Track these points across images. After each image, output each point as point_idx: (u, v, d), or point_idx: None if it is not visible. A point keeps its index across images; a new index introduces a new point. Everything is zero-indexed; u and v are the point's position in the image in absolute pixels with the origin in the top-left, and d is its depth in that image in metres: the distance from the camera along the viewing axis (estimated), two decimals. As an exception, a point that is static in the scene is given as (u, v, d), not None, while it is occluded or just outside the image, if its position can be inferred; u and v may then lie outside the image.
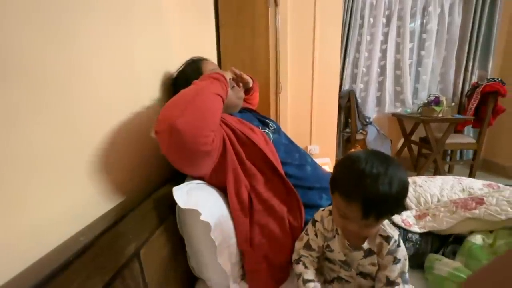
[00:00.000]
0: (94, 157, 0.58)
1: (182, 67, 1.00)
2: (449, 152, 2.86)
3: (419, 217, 0.90)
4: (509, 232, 0.75)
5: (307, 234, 0.71)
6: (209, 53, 1.53)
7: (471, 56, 2.73)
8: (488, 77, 2.52)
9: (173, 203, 0.65)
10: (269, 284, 0.75)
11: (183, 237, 0.76)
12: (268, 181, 0.83)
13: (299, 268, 0.67)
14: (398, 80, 2.90)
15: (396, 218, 0.85)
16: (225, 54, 1.68)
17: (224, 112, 0.93)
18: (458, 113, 2.77)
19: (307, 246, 0.70)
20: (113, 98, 0.65)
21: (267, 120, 1.07)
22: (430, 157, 2.46)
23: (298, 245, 0.73)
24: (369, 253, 0.60)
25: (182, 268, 0.78)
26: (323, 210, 0.70)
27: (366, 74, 2.89)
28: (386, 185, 0.46)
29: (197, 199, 0.68)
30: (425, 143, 2.62)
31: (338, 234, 0.64)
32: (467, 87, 2.76)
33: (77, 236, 0.46)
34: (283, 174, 0.84)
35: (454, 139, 2.54)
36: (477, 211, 0.80)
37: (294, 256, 0.72)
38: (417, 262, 0.79)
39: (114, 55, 0.64)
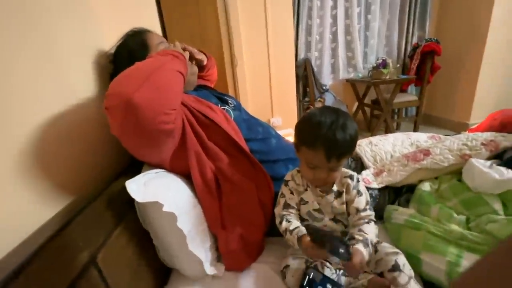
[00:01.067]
0: (25, 159, 0.48)
1: (121, 41, 0.86)
2: (397, 110, 3.13)
3: (376, 174, 0.96)
4: (450, 176, 0.85)
5: (283, 196, 0.73)
6: (152, 25, 1.36)
7: (412, 18, 2.89)
8: (426, 38, 2.71)
9: (130, 198, 0.58)
10: (245, 261, 0.75)
11: (148, 230, 0.70)
12: (234, 160, 0.80)
13: (283, 225, 0.68)
14: (349, 46, 2.98)
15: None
16: (169, 25, 1.51)
17: None
18: (403, 74, 2.99)
19: (287, 206, 0.72)
20: (38, 91, 0.53)
21: (225, 97, 1.00)
22: (381, 117, 2.66)
23: (278, 209, 0.73)
24: (338, 194, 0.68)
25: (156, 261, 0.74)
26: (291, 171, 0.74)
27: (320, 41, 2.91)
28: (340, 130, 0.58)
29: (157, 190, 0.62)
30: (376, 105, 2.81)
31: (309, 186, 0.70)
32: (409, 49, 2.96)
33: (8, 257, 0.39)
34: (248, 151, 0.81)
35: (400, 99, 2.76)
36: (424, 162, 0.88)
37: (277, 220, 0.72)
38: (377, 215, 0.86)
39: (30, 42, 0.51)
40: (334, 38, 2.92)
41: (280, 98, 2.39)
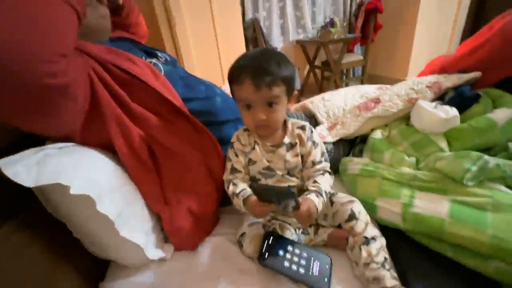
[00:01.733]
0: None
1: None
2: (345, 71, 3.21)
3: (330, 128, 0.93)
4: (399, 122, 0.85)
5: (230, 160, 0.66)
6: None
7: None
8: (370, -5, 2.72)
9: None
10: (197, 237, 0.66)
11: (62, 220, 0.55)
12: (170, 125, 0.66)
13: (230, 189, 0.63)
14: (297, 5, 2.86)
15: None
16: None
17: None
18: (349, 33, 3.02)
19: (233, 170, 0.65)
20: None
21: (155, 51, 0.82)
22: (331, 78, 2.69)
23: (225, 175, 0.67)
24: (290, 146, 0.63)
25: (85, 255, 0.60)
26: (237, 131, 0.68)
27: (267, 0, 2.72)
28: (265, 56, 0.55)
29: (59, 168, 0.46)
30: (326, 66, 2.82)
31: (258, 143, 0.64)
32: (354, 7, 2.97)
33: None
34: (188, 112, 0.68)
35: (347, 59, 2.81)
36: (376, 110, 0.86)
37: (225, 185, 0.66)
38: (333, 169, 0.83)
39: None
40: (282, -4, 2.76)
41: (230, 63, 2.21)
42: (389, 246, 0.56)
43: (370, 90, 1.16)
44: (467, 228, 0.50)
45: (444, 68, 0.94)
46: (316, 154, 0.63)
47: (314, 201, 0.54)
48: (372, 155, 0.78)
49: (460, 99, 0.74)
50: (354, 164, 0.76)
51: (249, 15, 2.69)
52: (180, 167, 0.66)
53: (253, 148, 0.64)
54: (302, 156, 0.64)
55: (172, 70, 0.76)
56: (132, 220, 0.57)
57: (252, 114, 0.57)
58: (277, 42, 2.92)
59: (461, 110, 0.71)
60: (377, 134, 0.83)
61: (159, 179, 0.66)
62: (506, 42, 0.76)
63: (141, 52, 0.76)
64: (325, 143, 0.84)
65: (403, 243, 0.59)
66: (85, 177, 0.49)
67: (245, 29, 2.45)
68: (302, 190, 0.64)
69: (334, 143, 0.88)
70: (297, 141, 0.63)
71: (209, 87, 0.80)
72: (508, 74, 0.76)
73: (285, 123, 0.65)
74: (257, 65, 0.54)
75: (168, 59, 0.83)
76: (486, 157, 0.57)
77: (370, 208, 0.64)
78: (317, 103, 1.12)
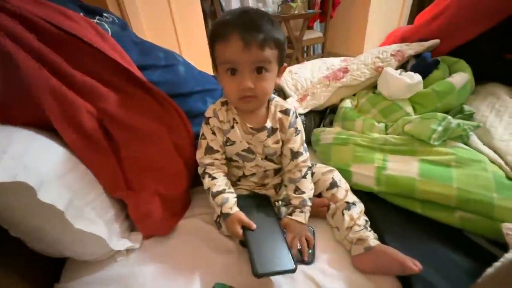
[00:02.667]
0: None
1: None
2: (305, 49, 3.23)
3: (301, 100, 0.91)
4: (366, 91, 0.86)
5: (205, 138, 0.58)
6: None
7: None
8: (328, -31, 2.70)
9: None
10: (168, 221, 0.60)
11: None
12: (126, 97, 0.56)
13: (206, 182, 0.56)
14: (256, -24, 2.72)
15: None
16: None
17: None
18: (309, 9, 3.00)
19: (209, 150, 0.57)
20: None
21: (99, 10, 0.68)
22: (293, 55, 2.68)
23: (199, 154, 0.59)
24: (272, 131, 0.57)
25: (30, 255, 0.50)
26: (213, 104, 0.59)
27: (223, -31, 2.52)
28: (255, 12, 0.49)
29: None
30: (288, 43, 2.79)
31: (237, 122, 0.56)
32: (313, -18, 2.93)
33: None
34: (146, 81, 0.58)
35: (308, 36, 2.81)
36: (345, 79, 0.86)
37: (200, 170, 0.59)
38: (306, 140, 0.82)
39: None
40: (239, -34, 2.58)
41: (188, 38, 2.03)
42: (365, 212, 0.57)
43: (336, 62, 1.16)
44: (436, 185, 0.53)
45: (404, 38, 0.97)
46: (296, 141, 0.57)
47: (300, 220, 0.52)
48: (343, 124, 0.78)
49: (423, 65, 0.77)
50: (327, 133, 0.76)
51: (205, -15, 2.47)
52: (142, 146, 0.57)
53: (232, 127, 0.56)
54: (282, 142, 0.58)
55: (121, 32, 0.65)
56: (89, 208, 0.49)
57: (237, 81, 0.48)
58: (237, 17, 2.77)
59: (423, 76, 0.74)
60: (347, 103, 0.83)
61: (118, 160, 0.57)
62: (460, 10, 0.80)
63: (76, 7, 0.62)
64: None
65: (377, 207, 0.60)
66: (16, 162, 0.39)
67: (202, 1, 2.26)
68: (279, 170, 0.62)
69: (305, 115, 0.86)
70: (278, 126, 0.57)
71: (169, 54, 0.71)
72: (461, 42, 0.81)
73: (268, 101, 0.57)
74: (248, 21, 0.46)
75: (116, 20, 0.70)
76: (449, 117, 0.60)
77: (345, 174, 0.65)
78: (285, 76, 1.09)
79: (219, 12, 2.44)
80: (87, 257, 0.53)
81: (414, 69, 0.77)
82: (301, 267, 0.49)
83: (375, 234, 0.51)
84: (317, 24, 3.13)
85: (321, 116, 0.91)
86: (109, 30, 0.59)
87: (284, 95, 1.03)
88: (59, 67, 0.49)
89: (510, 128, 0.61)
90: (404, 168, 0.58)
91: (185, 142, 0.63)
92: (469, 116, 0.67)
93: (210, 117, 0.57)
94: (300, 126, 0.59)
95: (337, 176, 0.59)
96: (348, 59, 1.16)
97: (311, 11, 2.67)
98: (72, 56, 0.50)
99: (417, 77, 0.72)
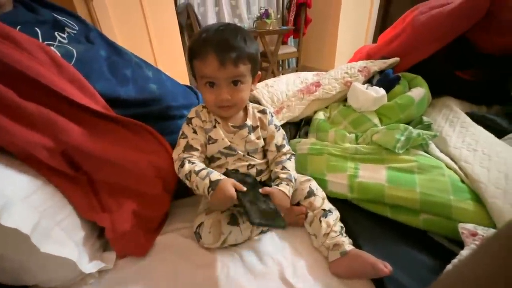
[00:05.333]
0: None
1: None
2: (281, 62, 3.35)
3: (277, 112, 0.94)
4: (337, 104, 0.92)
5: (185, 137, 0.59)
6: None
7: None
8: (299, -10, 2.88)
9: None
10: (145, 240, 0.58)
11: None
12: (91, 128, 0.52)
13: (186, 167, 0.55)
14: (231, -7, 2.81)
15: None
16: None
17: None
18: (283, 26, 3.14)
19: (188, 148, 0.58)
20: None
21: (62, 18, 0.63)
22: (269, 68, 2.77)
23: (176, 152, 0.59)
24: (252, 128, 0.62)
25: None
26: (195, 107, 0.63)
27: (199, -15, 2.58)
28: (229, 30, 0.52)
29: None
30: (263, 57, 2.88)
31: (219, 122, 0.60)
32: (286, 1, 3.09)
33: None
34: (108, 113, 0.55)
35: (283, 50, 2.93)
36: (317, 93, 0.91)
37: (176, 165, 0.58)
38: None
39: None
40: (215, -17, 2.66)
41: (164, 51, 2.02)
42: (340, 218, 0.60)
43: (309, 76, 1.23)
44: (402, 190, 0.58)
45: (370, 55, 1.06)
46: (279, 137, 0.64)
47: (285, 191, 0.56)
48: (317, 135, 0.82)
49: (386, 80, 0.84)
50: (302, 144, 0.79)
51: (182, 0, 2.51)
52: (116, 173, 0.55)
53: (214, 126, 0.59)
54: (265, 140, 0.63)
55: (88, 50, 0.61)
56: (58, 229, 0.46)
57: (216, 92, 0.54)
58: (214, 31, 2.82)
59: (386, 91, 0.81)
60: (320, 115, 0.87)
61: (90, 183, 0.54)
62: (415, 33, 0.89)
63: (44, 26, 0.57)
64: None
65: (350, 213, 0.63)
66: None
67: (178, 13, 2.28)
68: (262, 170, 0.64)
69: (282, 127, 0.89)
70: (259, 124, 0.63)
71: (136, 73, 0.67)
72: (418, 60, 0.91)
73: (245, 105, 0.63)
74: (222, 40, 0.50)
75: (81, 29, 0.65)
76: (410, 128, 0.66)
77: (321, 183, 0.67)
78: (261, 89, 1.12)
79: (195, 25, 2.47)
80: (54, 284, 0.49)
81: (379, 84, 0.84)
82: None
83: (350, 239, 0.54)
84: (291, 40, 3.28)
85: (297, 127, 0.95)
86: (75, 53, 0.56)
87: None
88: (6, 98, 0.44)
89: (461, 136, 0.69)
90: (373, 175, 0.63)
91: (166, 164, 0.60)
92: (428, 126, 0.74)
93: (193, 117, 0.60)
94: (277, 122, 0.66)
95: (314, 185, 0.62)
96: (320, 73, 1.22)
97: (285, 27, 2.81)
98: (23, 89, 0.46)
99: (382, 91, 0.78)
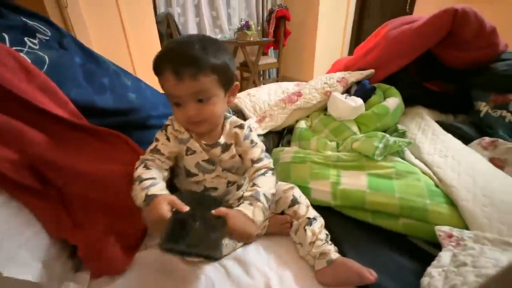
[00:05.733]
0: None
1: None
2: (262, 73, 3.41)
3: (259, 121, 0.95)
4: (318, 113, 0.94)
5: (157, 141, 0.56)
6: None
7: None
8: (278, 4, 2.99)
9: None
10: (122, 257, 0.54)
11: None
12: (62, 140, 0.50)
13: (137, 171, 0.50)
14: (212, 4, 2.84)
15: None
16: None
17: None
18: (263, 37, 3.22)
19: (155, 151, 0.54)
20: None
21: (33, 23, 0.60)
22: (250, 78, 2.80)
23: (143, 155, 0.55)
24: (225, 147, 0.57)
25: None
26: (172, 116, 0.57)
27: (180, -5, 2.59)
28: (190, 41, 0.47)
29: None
30: (244, 67, 2.92)
31: (192, 137, 0.56)
32: (266, 13, 3.19)
33: None
34: (81, 123, 0.52)
35: (263, 61, 2.99)
36: (299, 102, 0.93)
37: (137, 164, 0.53)
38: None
39: None
40: (196, -6, 2.68)
41: (143, 58, 1.98)
42: (325, 225, 0.60)
43: (290, 86, 1.26)
44: (382, 195, 0.60)
45: (347, 67, 1.10)
46: (255, 152, 0.57)
47: (246, 212, 0.45)
48: (300, 143, 0.83)
49: (363, 91, 0.88)
50: (285, 153, 0.80)
51: (162, 9, 2.49)
52: (89, 186, 0.51)
53: (191, 137, 0.55)
54: (241, 156, 0.58)
55: (62, 56, 0.58)
56: (22, 250, 0.42)
57: (183, 111, 0.49)
58: (194, 40, 2.82)
59: (364, 100, 0.85)
60: (302, 124, 0.89)
61: (60, 198, 0.50)
62: (387, 47, 0.95)
63: (12, 31, 0.54)
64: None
65: (334, 220, 0.64)
66: None
67: (158, 23, 2.26)
68: (241, 186, 0.62)
69: (264, 135, 0.90)
70: (233, 141, 0.57)
71: (115, 82, 0.66)
72: (391, 72, 0.96)
73: (224, 120, 0.58)
74: (178, 52, 0.46)
75: (53, 35, 0.62)
76: (387, 135, 0.69)
77: (305, 191, 0.68)
78: (243, 98, 1.13)
79: (175, 34, 2.45)
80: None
81: (357, 94, 0.88)
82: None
83: (336, 247, 0.54)
84: (271, 51, 3.36)
85: (279, 136, 0.96)
86: (46, 58, 0.53)
87: (243, 117, 1.07)
88: None
89: (433, 143, 0.73)
90: (355, 182, 0.64)
91: None
92: (402, 134, 0.78)
93: (169, 125, 0.56)
94: (256, 138, 0.59)
95: (297, 192, 0.62)
96: (301, 83, 1.26)
97: (265, 39, 2.88)
98: None
99: (360, 101, 0.82)
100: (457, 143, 0.72)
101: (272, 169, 0.57)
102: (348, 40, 3.23)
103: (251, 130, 0.60)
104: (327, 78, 0.98)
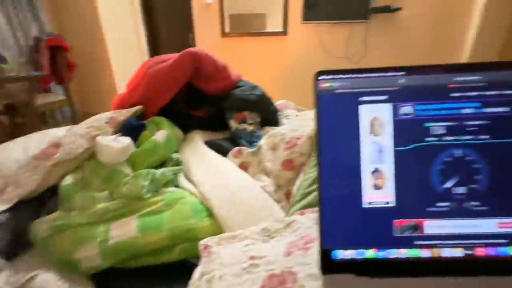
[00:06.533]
0: None
1: None
2: (48, 113, 2.71)
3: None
4: (93, 161, 0.83)
5: None
6: None
7: (18, 7, 2.45)
8: (47, 32, 2.49)
9: None
10: None
11: None
12: None
13: None
14: None
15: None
16: None
17: None
18: (36, 71, 2.56)
19: None
20: None
21: None
22: (27, 123, 2.14)
23: None
24: None
25: None
26: None
27: None
28: None
29: None
30: (14, 110, 2.19)
31: None
32: (31, 42, 2.55)
33: None
34: None
35: (45, 99, 2.40)
36: (58, 155, 0.77)
37: None
38: (15, 245, 0.63)
39: None
40: None
41: None
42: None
43: (62, 133, 1.04)
44: (151, 234, 0.60)
45: (121, 103, 1.07)
46: None
47: None
48: (64, 205, 0.69)
49: (129, 129, 0.87)
50: (41, 224, 0.63)
51: None
52: None
53: None
54: None
55: None
56: None
57: None
58: None
59: (134, 138, 0.85)
60: (68, 180, 0.75)
61: None
62: (149, 83, 1.01)
63: None
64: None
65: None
66: None
67: None
68: None
69: (9, 211, 0.67)
70: None
71: None
72: (162, 104, 1.03)
73: None
74: None
75: None
76: (152, 170, 0.71)
77: (72, 265, 0.56)
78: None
79: None
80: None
81: (124, 133, 0.86)
82: None
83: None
84: (54, 86, 2.75)
85: (39, 204, 0.75)
86: None
87: None
88: None
89: (199, 163, 0.84)
90: (125, 230, 0.61)
91: None
92: (177, 162, 0.85)
93: None
94: None
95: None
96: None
97: (36, 73, 2.30)
98: None
99: (126, 140, 0.80)
100: (217, 158, 0.88)
101: None
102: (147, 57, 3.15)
103: None
104: (94, 121, 0.90)
